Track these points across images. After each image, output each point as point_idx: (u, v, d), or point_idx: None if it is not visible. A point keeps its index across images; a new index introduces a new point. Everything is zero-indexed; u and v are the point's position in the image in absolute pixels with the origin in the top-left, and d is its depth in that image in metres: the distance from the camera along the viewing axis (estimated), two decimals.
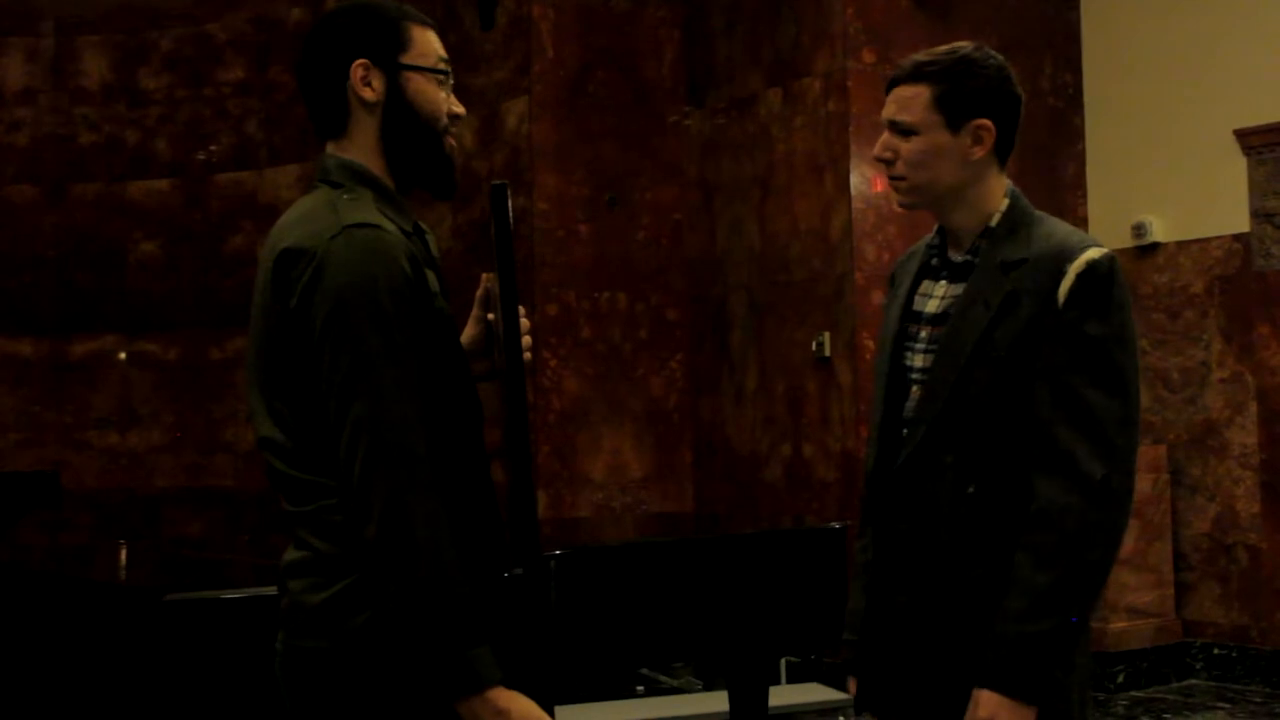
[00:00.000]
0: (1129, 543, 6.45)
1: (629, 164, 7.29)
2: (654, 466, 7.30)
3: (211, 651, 2.96)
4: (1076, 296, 2.20)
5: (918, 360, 2.34)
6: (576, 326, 7.15)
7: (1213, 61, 6.69)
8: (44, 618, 3.61)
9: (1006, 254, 2.28)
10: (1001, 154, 2.34)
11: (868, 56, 6.58)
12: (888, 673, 2.39)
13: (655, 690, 6.30)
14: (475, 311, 2.37)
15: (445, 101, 2.19)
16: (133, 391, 8.38)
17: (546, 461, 6.99)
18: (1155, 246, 6.89)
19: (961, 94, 2.29)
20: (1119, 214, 6.97)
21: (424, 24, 2.20)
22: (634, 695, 6.09)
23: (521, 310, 2.18)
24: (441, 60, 2.19)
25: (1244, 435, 6.57)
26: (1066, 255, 2.23)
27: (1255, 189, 6.52)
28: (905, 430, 2.33)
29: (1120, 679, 6.42)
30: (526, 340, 2.19)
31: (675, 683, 6.51)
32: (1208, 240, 6.71)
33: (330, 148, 2.18)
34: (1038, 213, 2.35)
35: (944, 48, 2.34)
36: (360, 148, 2.16)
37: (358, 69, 2.14)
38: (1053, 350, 2.20)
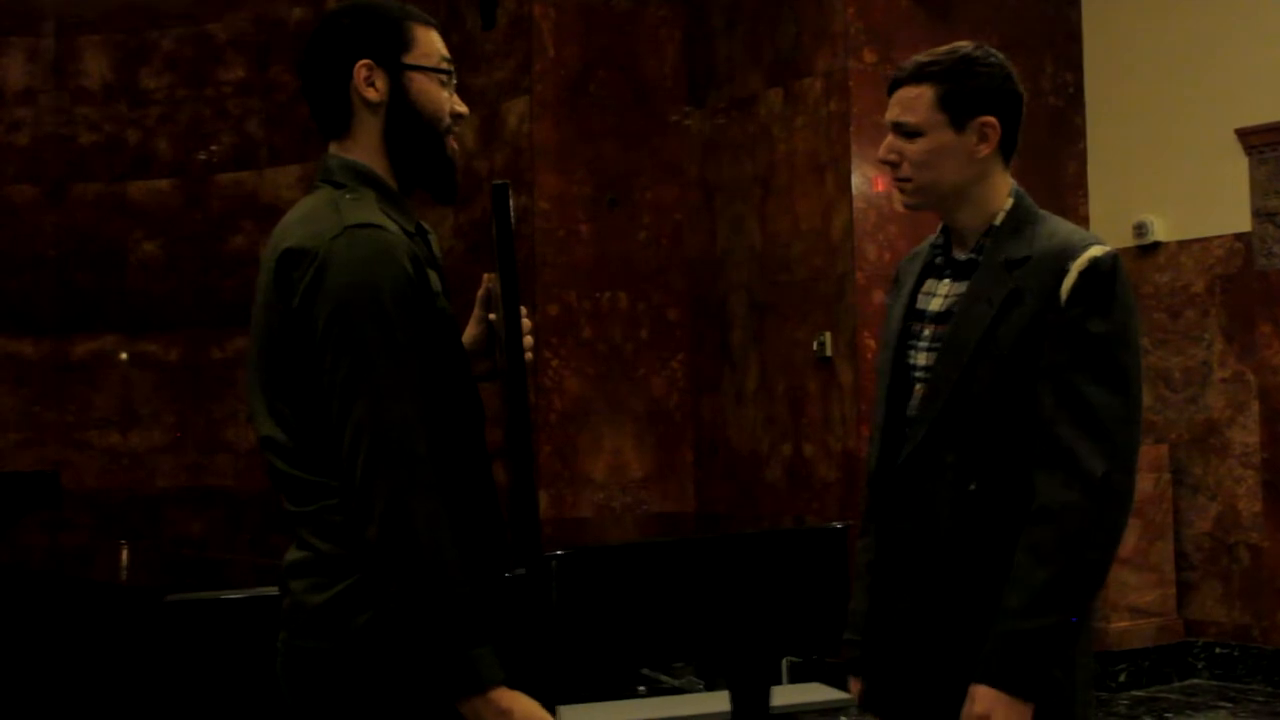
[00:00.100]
0: (1131, 542, 6.45)
1: (630, 164, 7.29)
2: (655, 466, 7.30)
3: (213, 652, 2.96)
4: (1079, 294, 2.20)
5: (921, 359, 2.34)
6: (577, 326, 7.15)
7: (1214, 61, 6.68)
8: (45, 618, 3.61)
9: (1010, 252, 2.28)
10: (1006, 151, 2.34)
11: (869, 56, 6.58)
12: (891, 673, 2.39)
13: (656, 690, 6.29)
14: (477, 311, 2.37)
15: (448, 101, 2.19)
16: (133, 391, 8.38)
17: (548, 461, 6.98)
18: (1156, 246, 6.89)
19: (965, 92, 2.29)
20: (1120, 213, 6.96)
21: (426, 23, 2.19)
22: (635, 695, 6.08)
23: (523, 310, 2.18)
24: (444, 60, 2.19)
25: (1245, 434, 6.57)
26: (1070, 253, 2.23)
27: (1256, 188, 6.51)
28: (908, 429, 2.33)
29: (1122, 678, 6.42)
30: (528, 340, 2.19)
31: (676, 683, 6.51)
32: (1209, 240, 6.71)
33: (333, 148, 2.18)
34: (1042, 212, 2.35)
35: (944, 48, 2.35)
36: (363, 148, 2.16)
37: (361, 69, 2.13)
38: (1055, 348, 2.20)
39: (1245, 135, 6.51)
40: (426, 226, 2.21)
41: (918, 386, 2.33)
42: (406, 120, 2.15)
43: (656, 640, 3.91)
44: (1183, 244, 6.81)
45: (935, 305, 2.36)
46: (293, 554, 2.10)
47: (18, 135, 8.40)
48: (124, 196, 8.42)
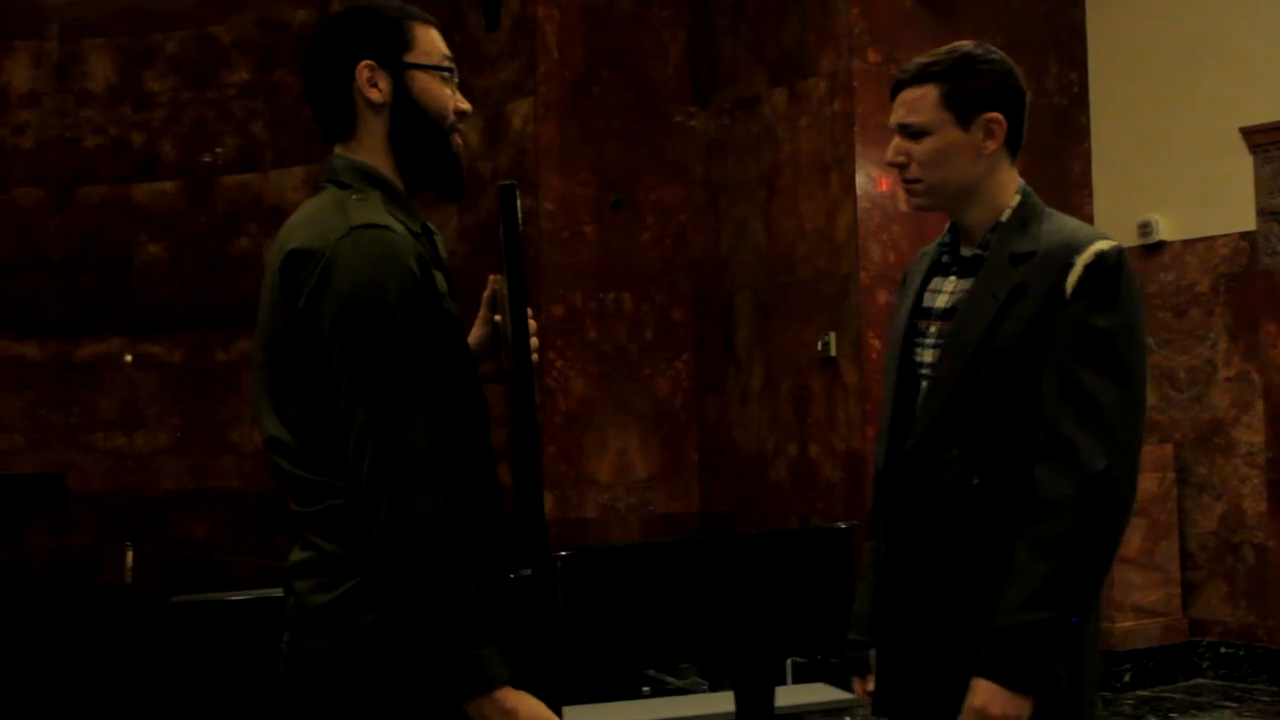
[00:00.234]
0: (1135, 542, 6.44)
1: (634, 164, 7.29)
2: (660, 467, 7.30)
3: (218, 653, 2.96)
4: (1084, 288, 2.21)
5: (927, 356, 2.35)
6: (582, 327, 7.15)
7: (1218, 59, 6.67)
8: (50, 620, 3.61)
9: (1016, 247, 2.29)
10: (1012, 147, 2.35)
11: (873, 56, 6.57)
12: (897, 670, 2.39)
13: (661, 691, 6.29)
14: (482, 313, 2.37)
15: (451, 99, 2.19)
16: (138, 393, 8.38)
17: (552, 462, 6.99)
18: (1161, 245, 6.88)
19: (969, 90, 2.30)
20: (1125, 213, 6.95)
21: (427, 22, 2.20)
22: (640, 696, 6.08)
23: (529, 312, 2.18)
24: (446, 58, 2.20)
25: (1250, 434, 6.56)
26: (1075, 247, 2.24)
27: (1261, 187, 6.50)
28: (913, 425, 2.34)
29: (1127, 678, 6.42)
30: (533, 342, 2.19)
31: (681, 683, 6.51)
32: (1214, 239, 6.70)
33: (338, 149, 2.19)
34: (1049, 209, 2.36)
35: (945, 48, 2.36)
36: (368, 149, 2.16)
37: (363, 70, 2.14)
38: (1059, 342, 2.21)
39: (1250, 134, 6.51)
40: (432, 227, 2.22)
41: (924, 384, 2.34)
42: (411, 119, 2.16)
43: (661, 641, 3.91)
44: (1187, 243, 6.81)
45: (941, 302, 2.36)
46: (297, 554, 2.10)
47: (22, 138, 8.41)
48: (129, 199, 8.43)
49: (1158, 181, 6.92)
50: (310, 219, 2.09)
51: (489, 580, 2.08)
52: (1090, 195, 7.19)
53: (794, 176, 6.85)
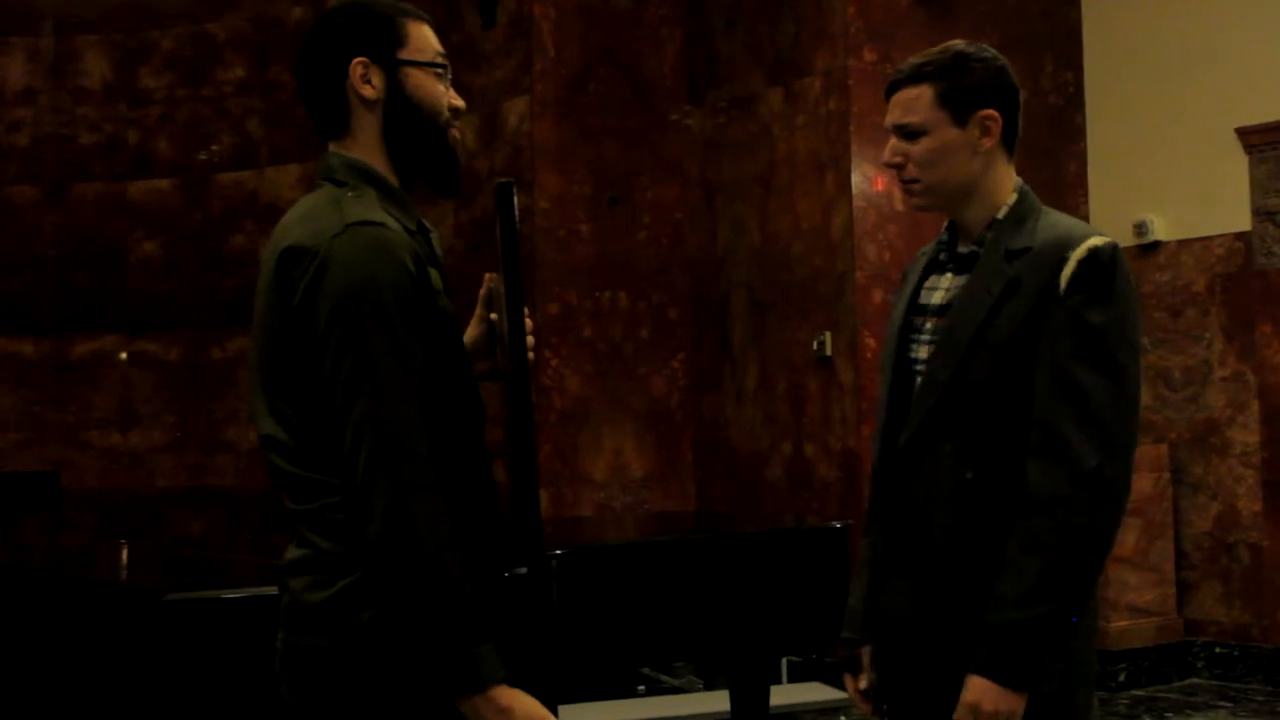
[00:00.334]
0: (1130, 541, 6.45)
1: (630, 163, 7.29)
2: (655, 466, 7.30)
3: (213, 652, 2.96)
4: (1077, 283, 2.21)
5: (922, 352, 2.35)
6: (578, 326, 7.15)
7: (1214, 59, 6.68)
8: (45, 618, 3.61)
9: (1011, 243, 2.29)
10: (1008, 144, 2.36)
11: (868, 55, 6.58)
12: (892, 666, 2.40)
13: (656, 690, 6.30)
14: (478, 311, 2.37)
15: (445, 95, 2.19)
16: (134, 391, 8.38)
17: (548, 461, 6.98)
18: (1157, 245, 6.89)
19: (963, 88, 2.31)
20: (1120, 212, 6.95)
21: (419, 19, 2.20)
22: (635, 695, 6.09)
23: (525, 310, 2.18)
24: (439, 54, 2.19)
25: (1246, 434, 6.57)
26: (1069, 244, 2.24)
27: (1257, 187, 6.51)
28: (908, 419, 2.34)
29: (1122, 678, 6.42)
30: (529, 340, 2.19)
31: (676, 682, 6.51)
32: (1209, 239, 6.71)
33: (333, 147, 2.18)
34: (1046, 207, 2.36)
35: (937, 48, 2.38)
36: (363, 146, 2.16)
37: (356, 67, 2.14)
38: (1053, 337, 2.21)
39: (1245, 134, 6.51)
40: (428, 224, 2.22)
41: (918, 379, 2.34)
42: (405, 115, 2.15)
43: (656, 639, 3.91)
44: (1183, 243, 6.81)
45: (937, 298, 2.37)
46: (292, 552, 2.10)
47: (18, 135, 8.40)
48: (124, 196, 8.42)
49: (1153, 181, 6.92)
50: (305, 216, 2.09)
51: (484, 578, 2.08)
52: (1086, 195, 7.19)
53: (790, 175, 6.85)
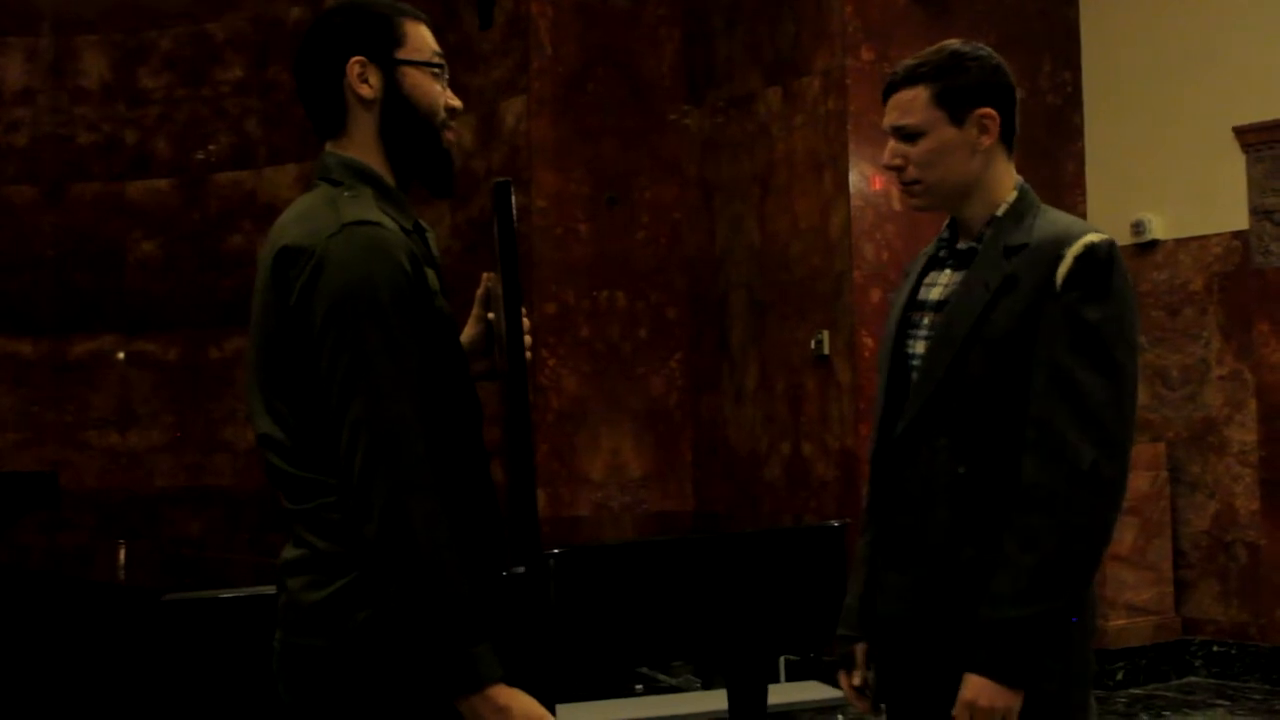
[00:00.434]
0: (1128, 540, 6.45)
1: (628, 162, 7.29)
2: (653, 465, 7.30)
3: (211, 651, 2.96)
4: (1074, 279, 2.21)
5: (919, 347, 2.36)
6: (575, 325, 7.15)
7: (1212, 59, 6.68)
8: (43, 618, 3.61)
9: (1009, 239, 2.30)
10: (1007, 142, 2.37)
11: (866, 54, 6.58)
12: (890, 661, 2.40)
13: (654, 689, 6.30)
14: (476, 311, 2.37)
15: (442, 95, 2.19)
16: (132, 391, 8.38)
17: (545, 460, 6.98)
18: (1154, 244, 6.89)
19: (959, 87, 2.32)
20: (1118, 212, 6.96)
21: (417, 19, 2.20)
22: (633, 694, 6.09)
23: (523, 310, 2.18)
24: (436, 54, 2.20)
25: (1243, 433, 6.57)
26: (1066, 240, 2.25)
27: (1254, 186, 6.52)
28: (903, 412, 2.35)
29: (1119, 676, 6.43)
30: (527, 340, 2.19)
31: (674, 681, 6.52)
32: (1207, 238, 6.71)
33: (330, 146, 2.19)
34: (1045, 205, 2.37)
35: (932, 48, 2.38)
36: (360, 145, 2.16)
37: (354, 66, 2.14)
38: (1049, 334, 2.21)
39: (1243, 133, 6.52)
40: (425, 224, 2.21)
41: (914, 375, 2.35)
42: (402, 115, 2.16)
43: (654, 639, 3.91)
44: (1180, 242, 6.82)
45: (935, 294, 2.38)
46: (289, 551, 2.10)
47: (16, 135, 8.40)
48: (122, 196, 8.42)
49: (1151, 181, 6.93)
50: (302, 216, 2.09)
51: (482, 578, 2.08)
52: (1084, 194, 7.19)
53: (788, 175, 6.85)
